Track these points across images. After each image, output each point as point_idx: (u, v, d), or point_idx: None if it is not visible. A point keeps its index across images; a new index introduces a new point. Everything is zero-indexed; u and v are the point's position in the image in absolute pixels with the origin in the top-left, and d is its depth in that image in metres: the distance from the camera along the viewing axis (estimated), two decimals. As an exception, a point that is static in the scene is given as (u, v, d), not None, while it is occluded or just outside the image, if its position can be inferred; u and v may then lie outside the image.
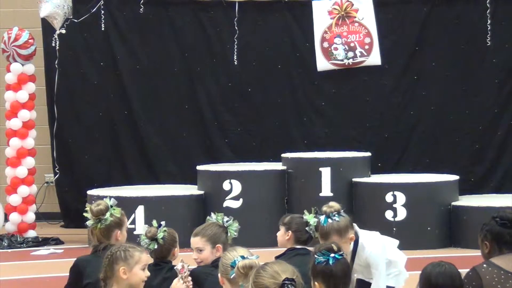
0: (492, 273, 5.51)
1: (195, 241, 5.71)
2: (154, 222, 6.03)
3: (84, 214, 5.89)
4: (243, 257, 4.93)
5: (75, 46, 11.89)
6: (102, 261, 5.50)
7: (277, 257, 6.21)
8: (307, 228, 6.29)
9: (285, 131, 12.05)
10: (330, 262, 4.46)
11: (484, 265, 5.55)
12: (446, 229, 10.64)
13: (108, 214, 5.78)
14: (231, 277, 4.74)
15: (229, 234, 5.99)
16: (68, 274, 5.79)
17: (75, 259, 5.80)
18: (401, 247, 9.96)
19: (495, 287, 5.51)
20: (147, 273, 5.33)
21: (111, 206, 5.83)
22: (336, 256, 4.51)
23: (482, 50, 11.74)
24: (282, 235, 6.43)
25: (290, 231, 6.35)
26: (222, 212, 6.37)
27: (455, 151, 11.81)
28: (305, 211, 6.42)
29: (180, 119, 12.21)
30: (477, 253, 5.78)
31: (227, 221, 6.06)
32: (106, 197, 6.04)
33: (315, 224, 6.29)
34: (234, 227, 6.10)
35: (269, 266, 3.95)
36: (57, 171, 12.03)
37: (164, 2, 12.06)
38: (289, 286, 3.82)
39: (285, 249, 6.36)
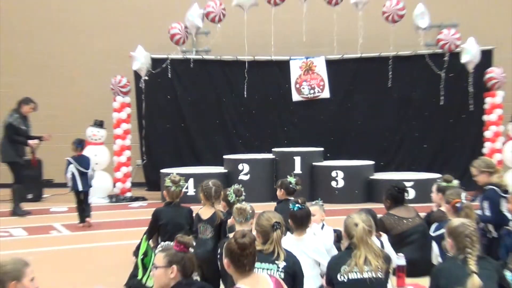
0: (390, 219, 5.84)
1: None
2: (174, 175, 5.75)
3: (166, 182, 5.79)
4: (238, 200, 5.29)
5: (153, 86, 11.72)
6: (172, 210, 5.64)
7: (278, 202, 6.30)
8: (291, 186, 6.27)
9: (274, 136, 11.93)
10: (295, 209, 4.70)
11: (385, 216, 5.86)
12: (367, 192, 10.59)
13: (182, 182, 5.80)
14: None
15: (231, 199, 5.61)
16: (150, 218, 5.76)
17: (154, 209, 5.79)
18: (340, 201, 9.77)
19: (394, 227, 5.79)
20: None
21: (180, 180, 5.78)
22: (298, 206, 4.72)
23: (386, 88, 11.68)
24: (279, 192, 6.35)
25: (282, 189, 6.31)
26: (237, 183, 6.35)
27: (368, 147, 11.67)
28: (289, 176, 6.47)
29: (214, 129, 12.05)
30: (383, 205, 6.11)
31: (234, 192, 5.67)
32: (171, 173, 5.86)
33: (295, 182, 6.27)
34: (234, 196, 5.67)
35: (265, 213, 4.09)
36: (145, 158, 12.05)
37: (204, 61, 11.93)
38: (277, 226, 3.93)
39: (282, 199, 6.29)
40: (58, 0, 13.27)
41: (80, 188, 8.67)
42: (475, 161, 6.23)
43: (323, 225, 5.57)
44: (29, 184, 10.58)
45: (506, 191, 5.87)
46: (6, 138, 9.67)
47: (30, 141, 9.73)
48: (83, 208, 8.82)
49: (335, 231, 5.56)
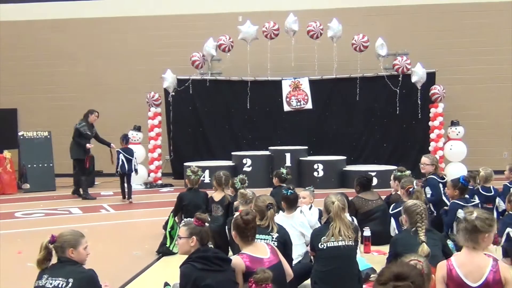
0: (359, 201, 5.75)
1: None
2: (194, 167, 5.70)
3: (188, 172, 5.79)
4: (243, 187, 5.21)
5: (178, 100, 11.58)
6: (192, 194, 5.58)
7: (273, 188, 6.22)
8: (283, 175, 6.25)
9: (270, 137, 11.71)
10: (288, 193, 4.68)
11: (355, 198, 5.78)
12: (341, 180, 10.48)
13: (200, 172, 5.80)
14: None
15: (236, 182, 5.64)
16: (175, 200, 5.79)
17: (179, 193, 5.86)
18: (320, 187, 9.42)
19: (362, 206, 5.72)
20: None
21: (198, 170, 5.80)
22: (290, 191, 4.69)
23: (355, 102, 11.54)
24: (274, 179, 6.35)
25: (276, 178, 6.31)
26: (242, 173, 6.27)
27: (342, 146, 11.48)
28: (281, 168, 6.49)
29: (224, 132, 11.92)
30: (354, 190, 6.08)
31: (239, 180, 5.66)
32: (192, 165, 5.93)
33: (287, 172, 6.25)
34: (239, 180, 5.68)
35: (261, 196, 4.06)
36: (172, 154, 11.89)
37: (217, 80, 11.81)
38: (270, 206, 3.88)
39: (276, 185, 6.25)
40: (110, 36, 13.33)
41: (126, 170, 9.04)
42: (430, 155, 6.41)
43: (311, 206, 5.51)
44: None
45: (443, 178, 6.06)
46: (73, 140, 9.76)
47: (87, 145, 9.74)
48: (125, 187, 9.16)
49: (319, 210, 5.53)
